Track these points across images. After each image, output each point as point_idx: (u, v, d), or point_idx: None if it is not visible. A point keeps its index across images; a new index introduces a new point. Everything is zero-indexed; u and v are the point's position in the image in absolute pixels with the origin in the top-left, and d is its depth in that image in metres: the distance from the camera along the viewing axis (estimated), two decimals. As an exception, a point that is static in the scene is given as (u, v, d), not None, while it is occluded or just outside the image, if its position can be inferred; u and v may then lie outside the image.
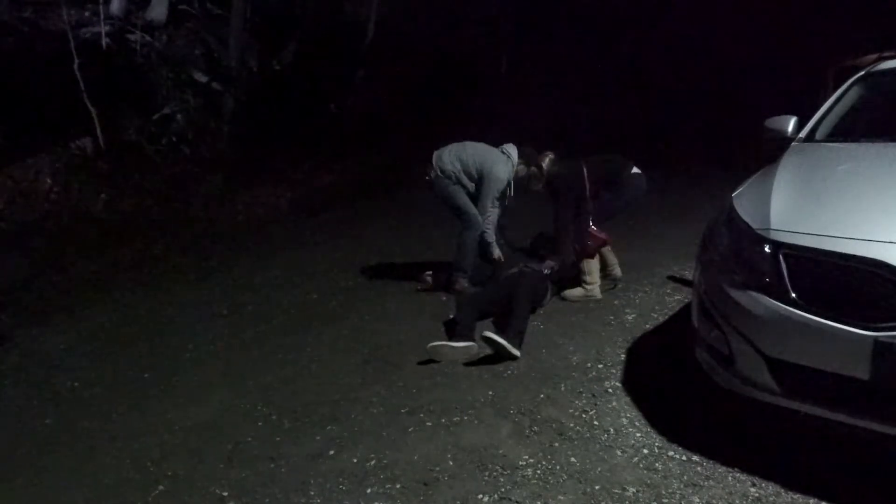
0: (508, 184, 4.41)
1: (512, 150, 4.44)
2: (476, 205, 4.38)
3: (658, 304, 3.93)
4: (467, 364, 3.25)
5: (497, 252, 4.40)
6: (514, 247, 4.65)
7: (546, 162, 4.31)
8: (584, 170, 4.13)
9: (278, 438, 2.70)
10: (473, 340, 3.37)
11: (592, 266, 4.10)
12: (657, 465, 2.29)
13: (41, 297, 5.02)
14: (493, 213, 4.41)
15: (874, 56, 6.83)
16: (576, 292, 4.11)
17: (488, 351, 3.26)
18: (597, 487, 2.18)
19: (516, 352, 3.23)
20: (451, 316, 3.85)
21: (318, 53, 10.69)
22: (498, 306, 3.76)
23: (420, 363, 3.31)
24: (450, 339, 3.40)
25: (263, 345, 3.77)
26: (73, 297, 5.00)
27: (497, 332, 3.27)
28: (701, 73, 13.77)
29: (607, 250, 4.29)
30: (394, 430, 2.67)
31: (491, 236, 4.41)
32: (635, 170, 4.16)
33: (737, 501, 2.05)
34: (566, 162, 4.30)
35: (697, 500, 2.08)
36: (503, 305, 3.68)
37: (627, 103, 12.69)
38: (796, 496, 2.05)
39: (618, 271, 4.34)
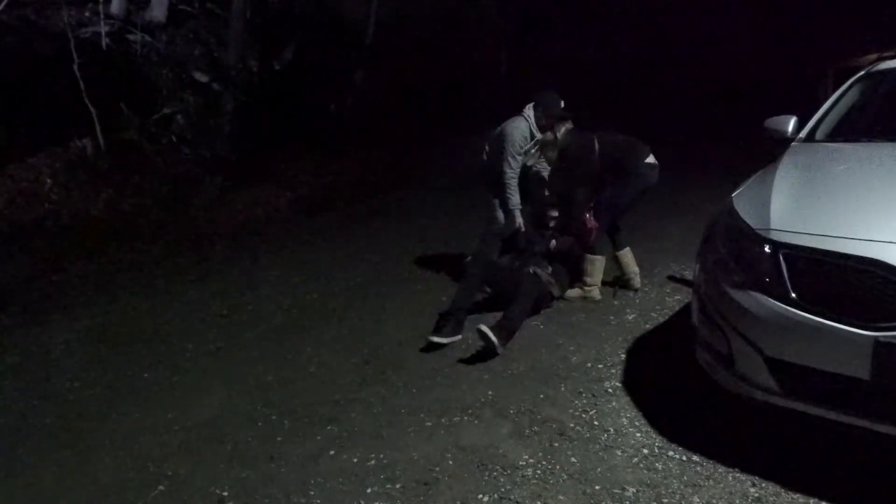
0: (526, 139, 4.27)
1: (528, 107, 4.34)
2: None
3: (658, 304, 3.93)
4: (467, 364, 3.25)
5: (519, 220, 4.31)
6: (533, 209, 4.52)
7: (562, 132, 4.08)
8: (597, 146, 3.93)
9: (278, 438, 2.70)
10: (460, 334, 3.51)
11: (595, 266, 4.02)
12: (657, 465, 2.29)
13: (41, 297, 5.01)
14: (512, 173, 4.28)
15: (874, 56, 6.84)
16: (574, 292, 4.10)
17: (480, 344, 3.30)
18: (597, 487, 2.18)
19: (501, 349, 3.26)
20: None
21: (318, 53, 10.70)
22: (501, 293, 3.81)
23: (420, 363, 3.31)
24: (441, 324, 3.53)
25: (263, 345, 3.77)
26: (73, 297, 5.00)
27: (491, 327, 3.30)
28: (701, 73, 13.77)
29: (630, 258, 4.16)
30: (394, 430, 2.67)
31: (514, 201, 4.30)
32: (650, 159, 3.93)
33: (737, 501, 2.05)
34: (581, 134, 4.08)
35: (697, 500, 2.08)
36: (506, 296, 3.70)
37: (627, 103, 12.69)
38: (796, 496, 2.05)
39: (637, 282, 4.17)
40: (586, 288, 4.05)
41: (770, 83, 12.34)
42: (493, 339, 3.22)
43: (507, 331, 3.35)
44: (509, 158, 4.23)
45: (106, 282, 5.35)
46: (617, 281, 4.23)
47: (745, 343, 2.16)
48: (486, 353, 3.27)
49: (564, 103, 4.29)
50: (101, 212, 6.87)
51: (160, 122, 8.33)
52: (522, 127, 4.25)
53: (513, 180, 4.26)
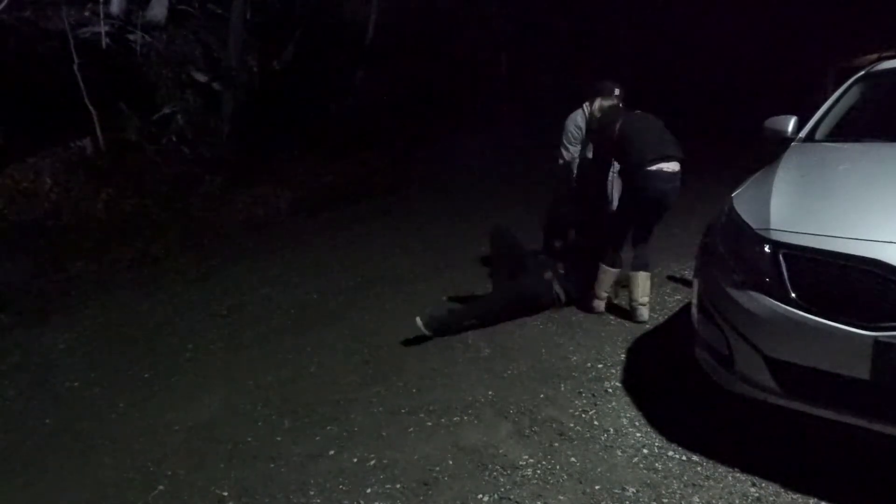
0: (579, 127, 4.38)
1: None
2: None
3: (658, 304, 3.93)
4: (467, 364, 3.25)
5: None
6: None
7: (596, 105, 3.88)
8: (617, 127, 3.56)
9: (278, 438, 2.70)
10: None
11: (603, 277, 3.80)
12: (657, 465, 2.29)
13: (41, 297, 5.01)
14: (563, 162, 4.46)
15: (874, 56, 6.84)
16: (588, 303, 3.93)
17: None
18: (597, 487, 2.18)
19: (425, 331, 3.50)
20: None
21: (318, 53, 10.70)
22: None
23: (420, 363, 3.31)
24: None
25: (263, 345, 3.77)
26: (73, 297, 5.00)
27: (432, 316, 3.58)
28: (702, 73, 13.78)
29: (645, 280, 3.67)
30: (394, 430, 2.67)
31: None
32: (656, 166, 3.41)
33: (737, 501, 2.06)
34: (611, 112, 3.78)
35: (697, 500, 2.08)
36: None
37: (626, 102, 12.69)
38: (796, 496, 2.05)
39: (643, 314, 3.64)
40: (594, 302, 3.90)
41: (770, 83, 12.34)
42: (418, 319, 3.51)
43: (447, 322, 3.56)
44: (562, 149, 4.47)
45: (106, 282, 5.35)
46: (619, 281, 4.21)
47: (744, 343, 2.16)
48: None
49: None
50: (101, 212, 6.87)
51: (160, 121, 8.32)
52: (577, 117, 4.42)
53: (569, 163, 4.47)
